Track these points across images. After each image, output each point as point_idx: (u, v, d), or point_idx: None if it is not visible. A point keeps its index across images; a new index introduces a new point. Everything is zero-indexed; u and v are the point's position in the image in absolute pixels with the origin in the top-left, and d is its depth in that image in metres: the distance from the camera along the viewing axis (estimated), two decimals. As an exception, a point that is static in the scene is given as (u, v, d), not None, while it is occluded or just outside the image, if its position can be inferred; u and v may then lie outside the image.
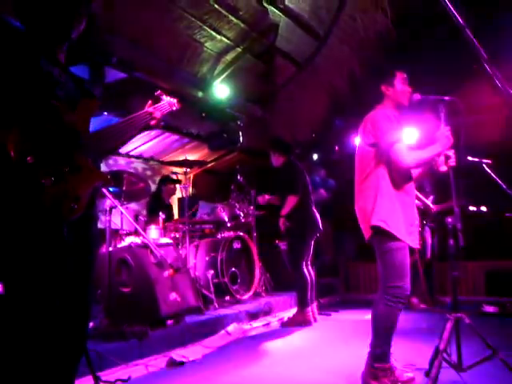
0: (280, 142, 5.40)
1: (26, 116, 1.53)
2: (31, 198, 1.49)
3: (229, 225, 5.71)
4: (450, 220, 2.64)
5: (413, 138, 5.39)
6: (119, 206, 3.89)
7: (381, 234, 2.64)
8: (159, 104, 2.19)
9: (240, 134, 6.90)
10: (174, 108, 2.30)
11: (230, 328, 4.25)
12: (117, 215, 4.24)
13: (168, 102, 2.26)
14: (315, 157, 8.30)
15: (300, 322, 4.70)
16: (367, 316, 4.85)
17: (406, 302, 2.62)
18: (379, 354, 2.59)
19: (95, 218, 1.88)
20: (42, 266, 1.56)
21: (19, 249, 1.54)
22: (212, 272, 4.92)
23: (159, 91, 2.29)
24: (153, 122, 2.11)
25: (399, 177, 2.70)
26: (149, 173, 7.56)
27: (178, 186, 6.34)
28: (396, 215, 2.63)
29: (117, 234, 4.51)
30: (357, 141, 2.95)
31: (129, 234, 4.60)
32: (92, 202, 1.78)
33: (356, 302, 6.47)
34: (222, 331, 4.16)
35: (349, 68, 6.72)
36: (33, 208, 1.51)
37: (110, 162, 6.87)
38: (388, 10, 5.39)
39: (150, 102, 2.17)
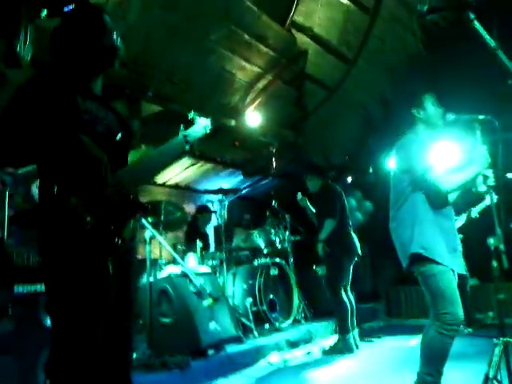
0: (315, 166, 5.38)
1: (64, 154, 1.60)
2: (77, 237, 1.56)
3: (265, 251, 5.71)
4: (491, 241, 2.55)
5: (450, 157, 5.28)
6: (158, 236, 3.97)
7: (421, 260, 2.57)
8: (193, 127, 2.11)
9: (273, 159, 6.94)
10: (208, 130, 2.19)
11: (271, 357, 4.20)
12: (156, 245, 4.32)
13: (202, 124, 2.16)
14: (349, 179, 8.24)
15: (342, 349, 4.59)
16: (412, 342, 4.72)
17: (457, 330, 2.51)
18: (429, 382, 2.50)
19: (134, 248, 1.92)
20: (88, 298, 1.61)
21: (68, 282, 1.61)
22: (250, 300, 4.91)
23: (192, 112, 2.19)
24: (187, 147, 2.04)
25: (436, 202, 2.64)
26: (185, 202, 7.68)
27: (213, 214, 6.42)
28: (437, 241, 2.56)
29: (156, 264, 4.59)
30: (391, 165, 2.93)
31: (168, 263, 4.68)
32: (133, 234, 1.84)
33: (399, 328, 6.29)
34: (263, 361, 4.13)
35: (380, 89, 6.72)
36: (78, 246, 1.58)
37: (147, 192, 7.03)
38: (418, 30, 5.38)
39: (181, 126, 2.08)
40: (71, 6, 3.34)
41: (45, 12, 3.35)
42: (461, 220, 5.57)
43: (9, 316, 2.70)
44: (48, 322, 2.83)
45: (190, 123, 2.16)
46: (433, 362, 2.52)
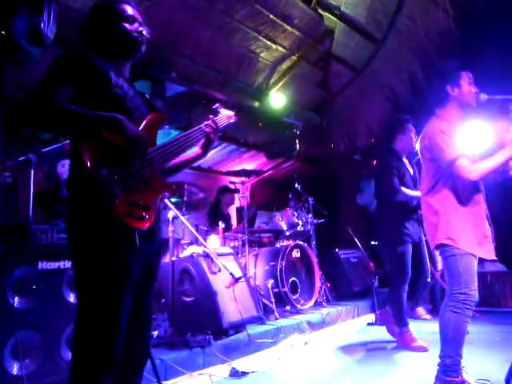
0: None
1: (99, 128, 1.61)
2: (105, 208, 1.57)
3: (287, 233, 5.68)
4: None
5: (481, 140, 5.11)
6: (181, 216, 3.98)
7: (446, 246, 2.58)
8: (217, 117, 2.21)
9: (297, 141, 6.86)
10: (232, 120, 2.31)
11: (292, 339, 4.20)
12: (178, 225, 4.34)
13: (226, 115, 2.28)
14: (375, 163, 8.10)
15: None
16: (429, 326, 4.65)
17: (472, 309, 2.49)
18: (449, 366, 2.47)
19: (160, 228, 1.93)
20: (112, 270, 1.63)
21: (93, 253, 1.62)
22: (272, 281, 4.91)
23: (217, 104, 2.32)
24: (211, 135, 2.11)
25: (465, 190, 2.59)
26: (207, 183, 7.69)
27: (236, 195, 6.41)
28: (464, 230, 2.54)
29: (179, 244, 4.62)
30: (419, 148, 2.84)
31: (190, 243, 4.70)
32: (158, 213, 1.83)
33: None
34: (284, 342, 4.13)
35: (409, 71, 6.53)
36: (106, 216, 1.58)
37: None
38: (450, 8, 5.18)
39: (210, 116, 2.18)
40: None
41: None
42: None
43: (33, 292, 2.73)
44: (71, 298, 2.88)
45: (215, 113, 2.25)
46: (450, 344, 2.51)
